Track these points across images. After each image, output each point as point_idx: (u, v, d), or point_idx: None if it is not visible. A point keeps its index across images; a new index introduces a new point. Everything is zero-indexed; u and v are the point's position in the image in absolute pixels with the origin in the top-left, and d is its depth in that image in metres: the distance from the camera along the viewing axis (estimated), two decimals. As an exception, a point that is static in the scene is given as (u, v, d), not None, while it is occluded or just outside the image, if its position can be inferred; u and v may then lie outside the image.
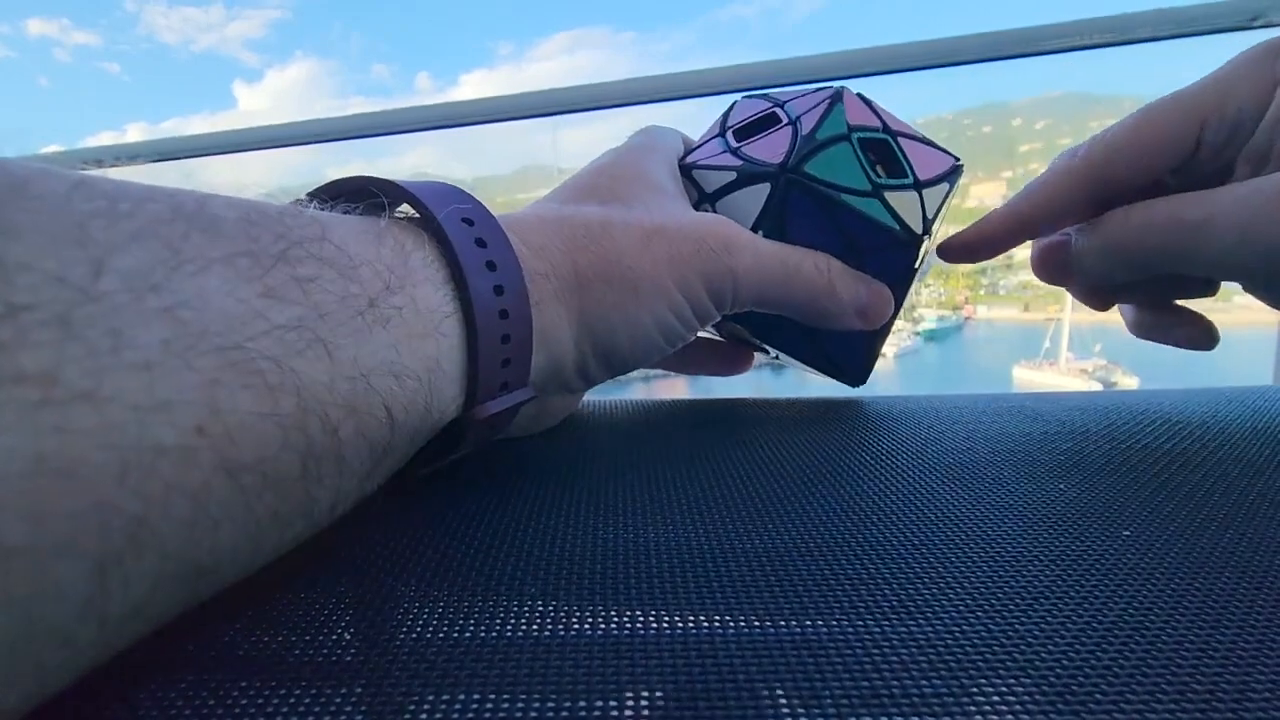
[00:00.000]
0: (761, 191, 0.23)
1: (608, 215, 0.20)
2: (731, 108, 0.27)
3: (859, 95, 0.25)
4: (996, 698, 0.10)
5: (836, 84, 0.25)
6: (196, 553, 0.10)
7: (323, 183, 0.17)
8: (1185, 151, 0.22)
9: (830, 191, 0.22)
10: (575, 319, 0.19)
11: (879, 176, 0.23)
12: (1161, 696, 0.10)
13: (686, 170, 0.25)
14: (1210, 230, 0.19)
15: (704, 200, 0.24)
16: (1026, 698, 0.10)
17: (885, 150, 0.24)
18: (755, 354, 0.29)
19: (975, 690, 0.10)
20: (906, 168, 0.24)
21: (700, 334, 0.27)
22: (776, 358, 0.27)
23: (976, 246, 0.25)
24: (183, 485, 0.09)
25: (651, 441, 0.22)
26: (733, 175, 0.23)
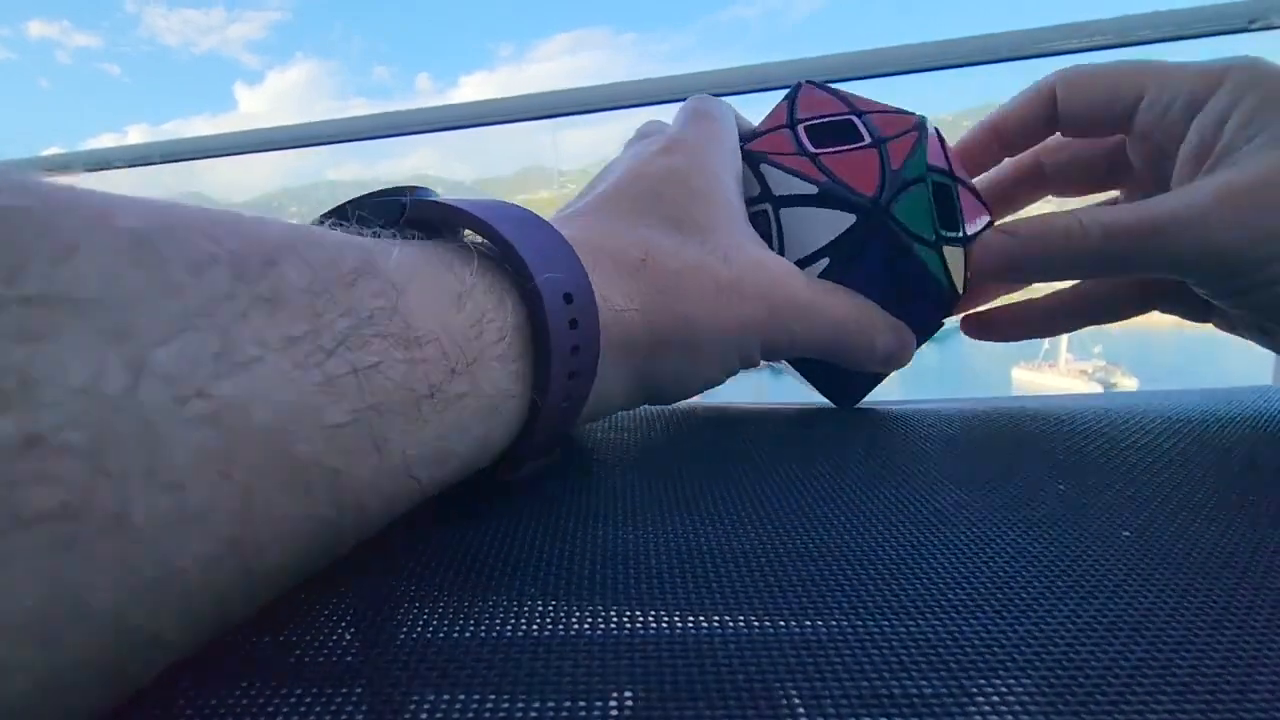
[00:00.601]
0: (844, 220, 0.22)
1: (684, 264, 0.19)
2: (797, 94, 0.25)
3: (936, 130, 0.24)
4: (996, 698, 0.10)
5: (917, 115, 0.24)
6: (207, 637, 0.10)
7: (387, 185, 0.16)
8: (1121, 114, 0.23)
9: (909, 240, 0.22)
10: (634, 376, 0.19)
11: (939, 226, 0.23)
12: (1161, 697, 0.10)
13: (754, 160, 0.24)
14: (1165, 235, 0.20)
15: (767, 200, 0.23)
16: (1026, 698, 0.10)
17: (946, 198, 0.23)
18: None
19: (975, 691, 0.10)
20: (959, 220, 0.23)
21: None
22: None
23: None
24: (205, 593, 0.09)
25: (651, 443, 0.22)
26: (814, 190, 0.22)
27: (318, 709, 0.10)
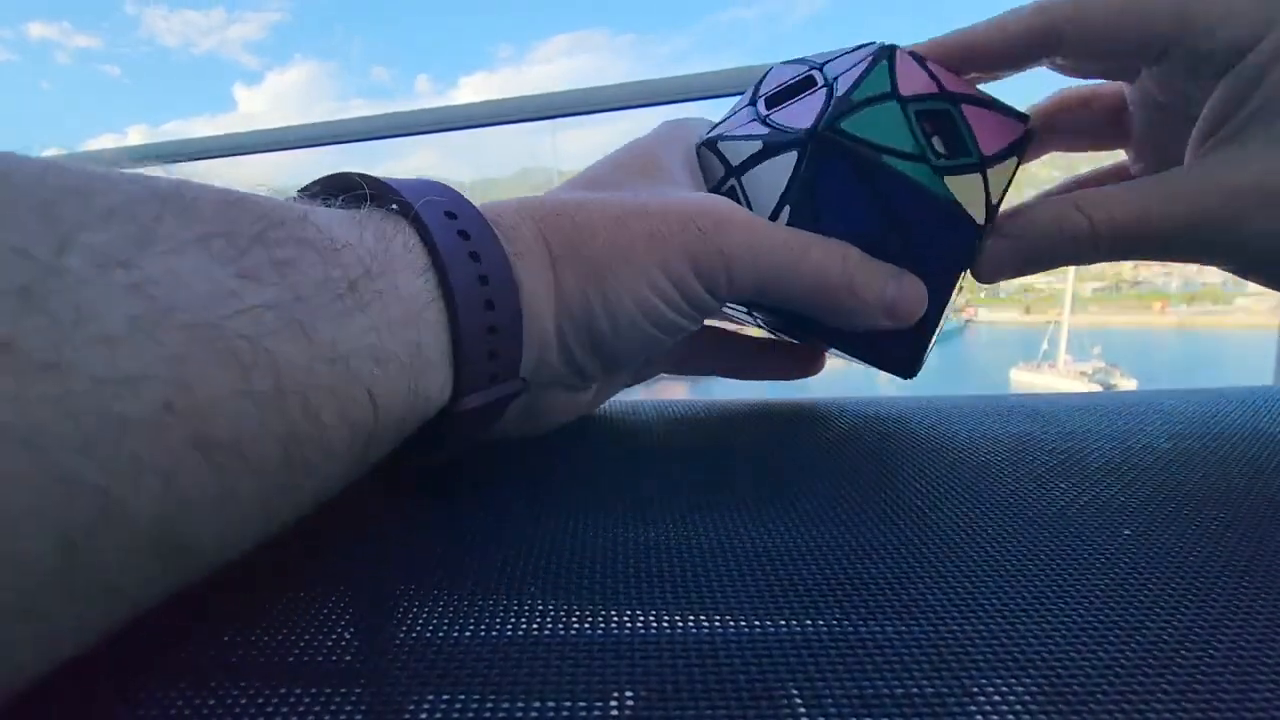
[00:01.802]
0: (789, 160, 0.20)
1: (587, 196, 0.19)
2: (766, 74, 0.24)
3: (913, 54, 0.21)
4: (998, 697, 0.10)
5: (880, 44, 0.21)
6: (171, 530, 0.10)
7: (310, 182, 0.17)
8: (1154, 48, 0.20)
9: (869, 152, 0.19)
10: (552, 300, 0.18)
11: (936, 153, 0.20)
12: (1162, 696, 0.10)
13: (712, 144, 0.22)
14: (1175, 236, 0.19)
15: (730, 174, 0.22)
16: (1028, 697, 0.10)
17: (945, 122, 0.20)
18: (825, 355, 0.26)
19: (976, 690, 0.10)
20: (969, 143, 0.20)
21: (753, 331, 0.25)
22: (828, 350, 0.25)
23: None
24: (151, 460, 0.09)
25: (652, 442, 0.22)
26: (759, 145, 0.20)
27: (317, 709, 0.10)
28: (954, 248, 0.21)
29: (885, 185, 0.19)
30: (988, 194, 0.21)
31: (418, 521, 0.16)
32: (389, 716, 0.10)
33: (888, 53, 0.21)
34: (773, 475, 0.18)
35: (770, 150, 0.20)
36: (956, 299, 0.23)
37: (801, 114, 0.20)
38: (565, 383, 0.20)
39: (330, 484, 0.13)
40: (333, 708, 0.10)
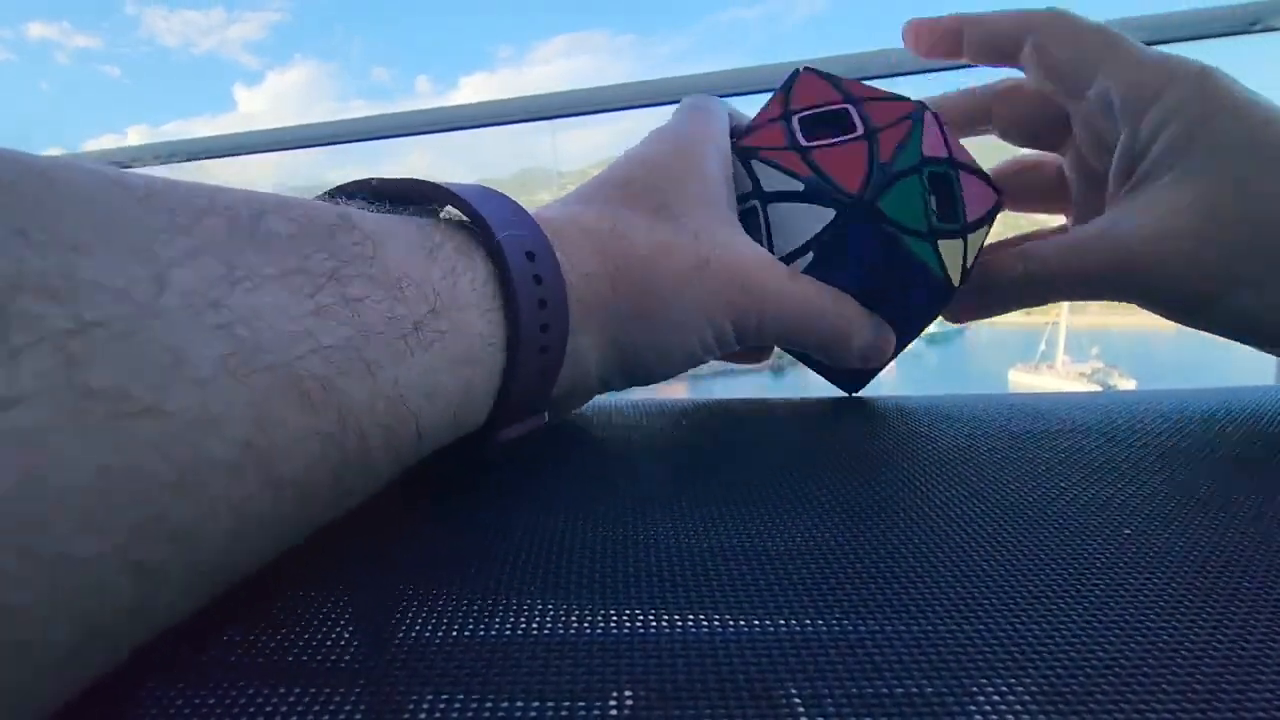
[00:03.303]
0: (825, 214, 0.22)
1: (654, 241, 0.20)
2: (794, 82, 0.25)
3: (935, 116, 0.23)
4: (996, 697, 0.10)
5: (914, 97, 0.23)
6: (231, 560, 0.11)
7: (352, 180, 0.17)
8: (1076, 87, 0.24)
9: (894, 231, 0.22)
10: (607, 344, 0.19)
11: (935, 218, 0.23)
12: (1162, 696, 0.10)
13: (745, 156, 0.24)
14: (1104, 280, 0.23)
15: (757, 196, 0.23)
16: (1027, 697, 0.10)
17: (945, 187, 0.23)
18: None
19: (976, 690, 0.10)
20: (959, 209, 0.23)
21: None
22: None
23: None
24: (229, 498, 0.10)
25: (652, 441, 0.22)
26: (799, 186, 0.22)
27: (317, 708, 0.10)
28: (931, 309, 0.25)
29: (899, 258, 0.22)
30: (965, 257, 0.24)
31: (418, 520, 0.16)
32: (389, 716, 0.10)
33: (920, 114, 0.23)
34: (772, 474, 0.18)
35: (809, 197, 0.22)
36: None
37: (844, 166, 0.22)
38: (588, 399, 0.22)
39: (364, 497, 0.14)
40: (332, 707, 0.10)
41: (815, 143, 0.23)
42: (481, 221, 0.16)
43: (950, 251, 0.23)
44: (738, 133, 0.25)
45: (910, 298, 0.24)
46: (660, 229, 0.20)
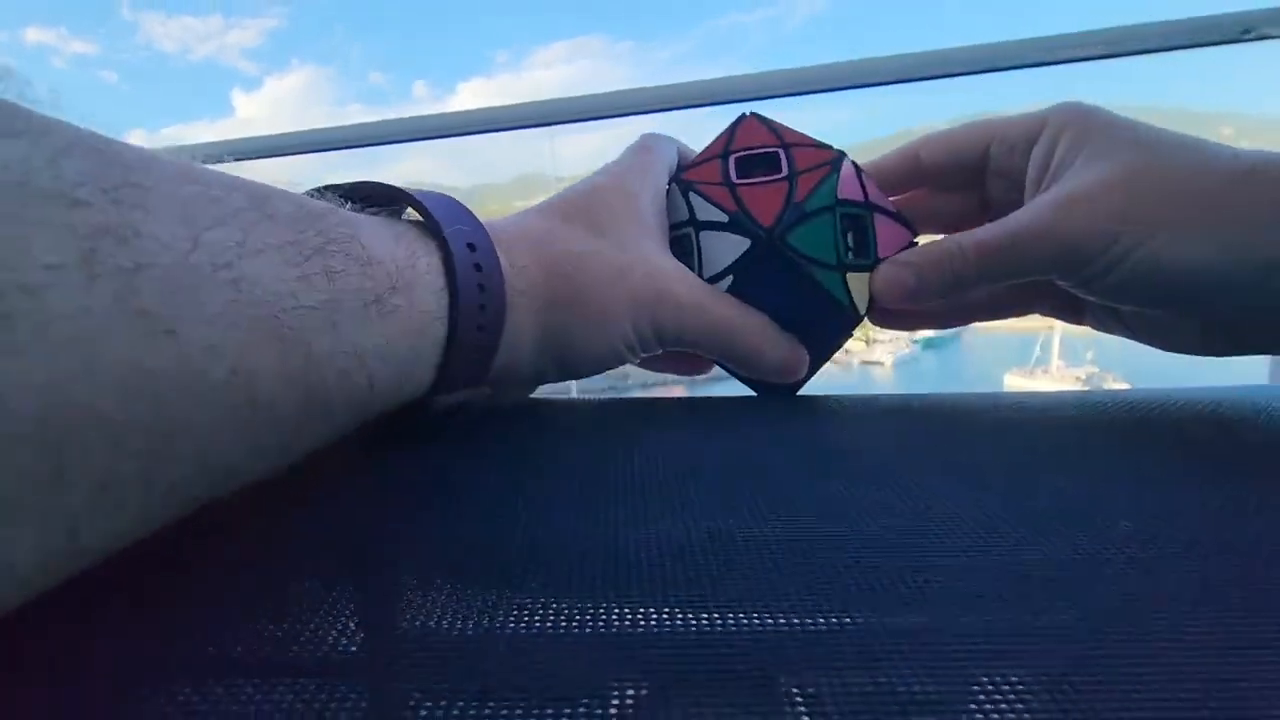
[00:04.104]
0: (742, 244, 0.25)
1: (586, 247, 0.24)
2: (740, 123, 0.28)
3: (854, 164, 0.27)
4: (997, 695, 0.10)
5: (837, 148, 0.27)
6: (215, 461, 0.13)
7: (327, 184, 0.20)
8: (973, 166, 0.28)
9: (803, 263, 0.25)
10: (540, 333, 0.23)
11: (847, 253, 0.26)
12: (1158, 686, 0.10)
13: (685, 188, 0.27)
14: (1021, 244, 0.24)
15: (691, 224, 0.27)
16: (1028, 695, 0.10)
17: (860, 226, 0.26)
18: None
19: (975, 685, 0.10)
20: (871, 247, 0.26)
21: None
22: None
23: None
24: (221, 403, 0.13)
25: (651, 439, 0.22)
26: (724, 218, 0.26)
27: (317, 704, 0.10)
28: (837, 333, 0.28)
29: (807, 286, 0.25)
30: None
31: (418, 517, 0.16)
32: (390, 712, 0.10)
33: (839, 161, 0.26)
34: (771, 471, 0.19)
35: (731, 228, 0.26)
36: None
37: (763, 203, 0.25)
38: (525, 387, 0.26)
39: (329, 436, 0.16)
40: (333, 703, 0.10)
41: (744, 180, 0.26)
42: (432, 219, 0.19)
43: (858, 283, 0.26)
44: (685, 166, 0.28)
45: (818, 325, 0.27)
46: (591, 240, 0.24)
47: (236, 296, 0.13)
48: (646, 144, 0.28)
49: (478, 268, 0.19)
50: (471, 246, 0.20)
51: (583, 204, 0.25)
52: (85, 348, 0.10)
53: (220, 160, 0.17)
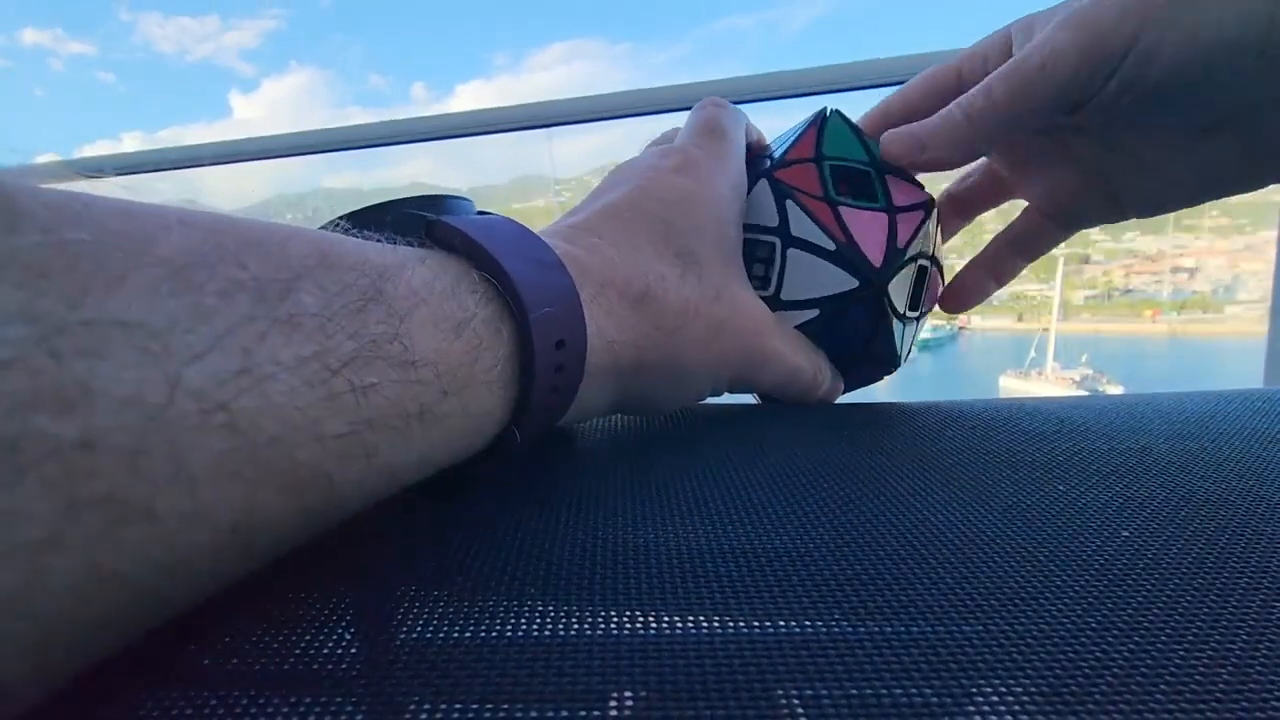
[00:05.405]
0: (846, 282, 0.24)
1: (683, 297, 0.21)
2: (825, 123, 0.26)
3: (937, 211, 0.26)
4: (995, 698, 0.10)
5: (926, 192, 0.26)
6: (208, 595, 0.11)
7: (409, 194, 0.18)
8: (950, 88, 0.27)
9: (890, 314, 0.24)
10: (618, 392, 0.20)
11: (910, 305, 0.25)
12: (1159, 696, 0.10)
13: (780, 193, 0.24)
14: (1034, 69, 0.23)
15: (780, 235, 0.24)
16: (1026, 699, 0.10)
17: (922, 278, 0.26)
18: None
19: (975, 691, 0.10)
20: (922, 299, 0.26)
21: None
22: None
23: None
24: (210, 570, 0.11)
25: (651, 443, 0.22)
26: (831, 246, 0.24)
27: (318, 709, 0.10)
28: (878, 378, 0.28)
29: (883, 336, 0.25)
30: (914, 341, 0.27)
31: (417, 522, 0.16)
32: (389, 717, 0.10)
33: (931, 209, 0.25)
34: (771, 476, 0.19)
35: (838, 260, 0.24)
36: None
37: (869, 238, 0.24)
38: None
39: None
40: (333, 709, 0.10)
41: (844, 200, 0.24)
42: (517, 299, 0.15)
43: (907, 335, 0.26)
44: (763, 153, 0.26)
45: (870, 368, 0.27)
46: (687, 284, 0.21)
47: (235, 445, 0.10)
48: (717, 125, 0.25)
49: (560, 345, 0.16)
50: (561, 344, 0.16)
51: (668, 216, 0.22)
52: (23, 561, 0.08)
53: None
